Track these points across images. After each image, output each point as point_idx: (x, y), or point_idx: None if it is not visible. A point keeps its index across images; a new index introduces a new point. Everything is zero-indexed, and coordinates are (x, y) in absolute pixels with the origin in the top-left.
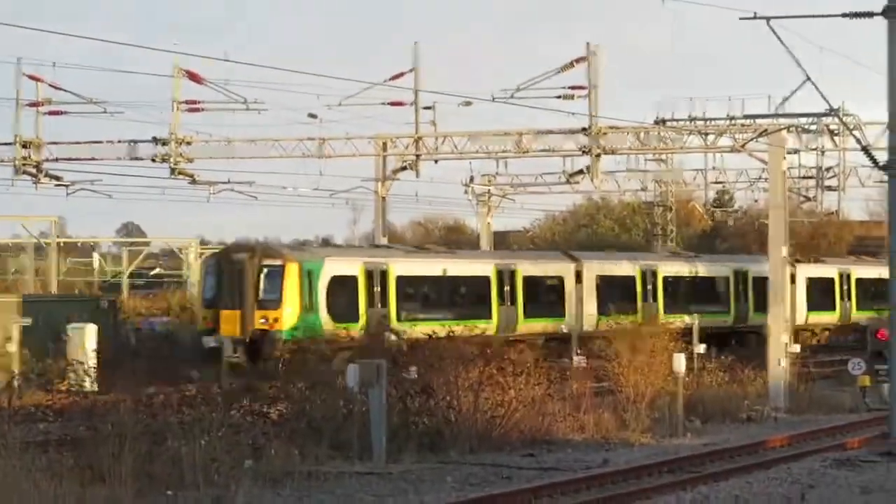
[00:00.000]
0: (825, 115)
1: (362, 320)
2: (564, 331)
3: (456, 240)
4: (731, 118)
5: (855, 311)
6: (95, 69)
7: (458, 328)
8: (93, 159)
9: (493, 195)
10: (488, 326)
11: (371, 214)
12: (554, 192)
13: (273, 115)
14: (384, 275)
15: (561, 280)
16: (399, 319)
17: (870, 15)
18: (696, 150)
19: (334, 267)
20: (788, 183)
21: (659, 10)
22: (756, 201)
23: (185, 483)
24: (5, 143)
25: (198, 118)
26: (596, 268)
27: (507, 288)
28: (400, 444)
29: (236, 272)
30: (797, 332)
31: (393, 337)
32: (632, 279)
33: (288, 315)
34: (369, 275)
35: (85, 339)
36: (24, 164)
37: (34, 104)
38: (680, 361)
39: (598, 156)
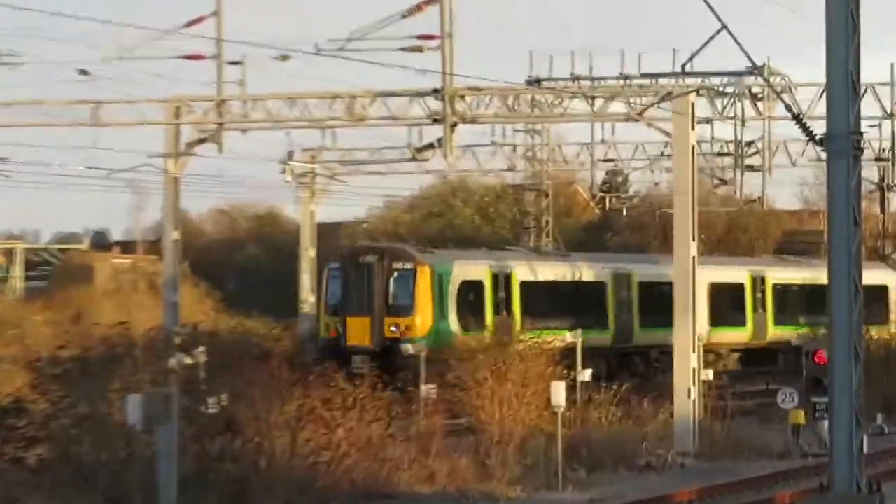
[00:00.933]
0: (746, 73)
1: (489, 328)
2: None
3: (269, 233)
4: (626, 77)
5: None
6: None
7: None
8: None
9: (318, 175)
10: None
11: (159, 200)
12: (398, 173)
13: (32, 70)
14: (508, 280)
15: None
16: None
17: None
18: (581, 119)
19: (463, 271)
20: (699, 161)
21: None
22: (657, 184)
23: None
24: None
25: None
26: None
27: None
28: (196, 495)
29: (365, 276)
30: None
31: None
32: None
33: (420, 322)
34: (495, 279)
35: None
36: None
37: None
38: (559, 392)
39: (453, 125)
